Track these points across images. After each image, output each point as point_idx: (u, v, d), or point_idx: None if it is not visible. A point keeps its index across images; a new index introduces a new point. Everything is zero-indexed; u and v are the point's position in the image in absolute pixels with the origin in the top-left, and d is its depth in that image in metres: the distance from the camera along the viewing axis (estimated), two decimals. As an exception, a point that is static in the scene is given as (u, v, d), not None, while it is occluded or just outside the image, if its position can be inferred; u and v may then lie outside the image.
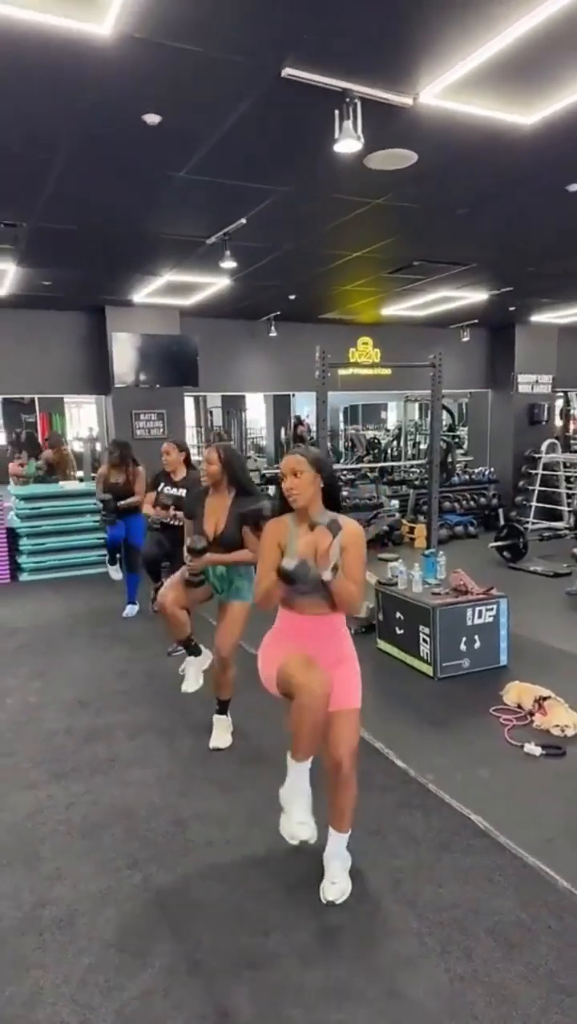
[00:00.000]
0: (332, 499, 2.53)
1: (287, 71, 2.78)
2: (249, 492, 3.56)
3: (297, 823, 2.35)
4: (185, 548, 3.48)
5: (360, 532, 2.48)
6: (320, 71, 2.80)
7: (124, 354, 7.81)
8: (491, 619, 4.64)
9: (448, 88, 2.95)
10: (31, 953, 2.30)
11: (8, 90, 2.91)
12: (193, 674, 3.76)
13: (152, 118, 3.18)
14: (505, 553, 7.90)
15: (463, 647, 4.56)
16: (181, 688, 3.76)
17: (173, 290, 7.07)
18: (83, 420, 15.02)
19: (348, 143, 3.02)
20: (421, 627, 4.60)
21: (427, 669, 4.57)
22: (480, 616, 4.61)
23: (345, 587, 2.37)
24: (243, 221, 4.73)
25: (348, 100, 2.95)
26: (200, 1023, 2.03)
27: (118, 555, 6.12)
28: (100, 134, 3.36)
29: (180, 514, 4.81)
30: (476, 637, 4.59)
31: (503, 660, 4.69)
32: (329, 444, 9.65)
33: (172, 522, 5.00)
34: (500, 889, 2.54)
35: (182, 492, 4.99)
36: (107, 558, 6.32)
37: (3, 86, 2.87)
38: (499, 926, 2.36)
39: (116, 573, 6.19)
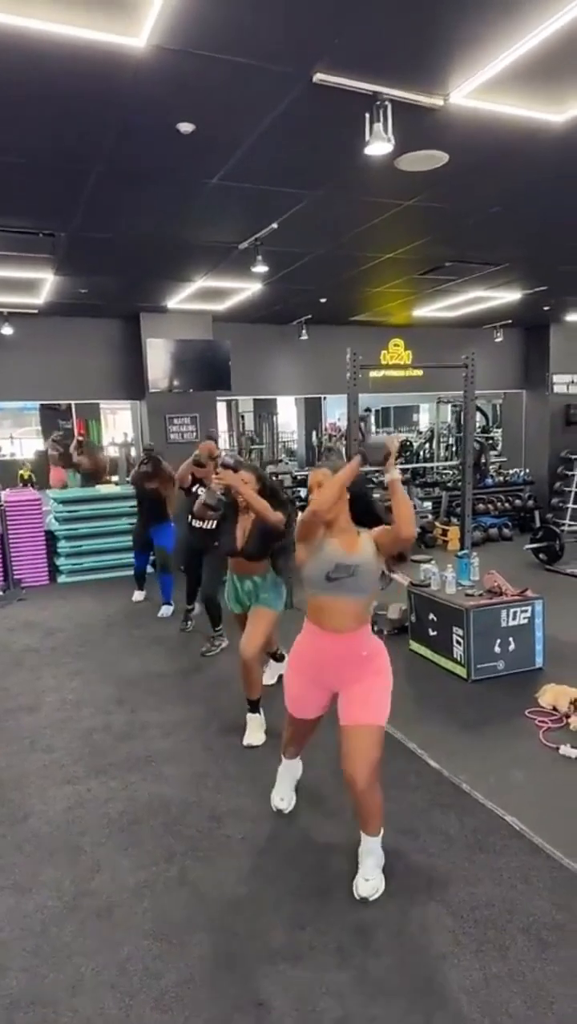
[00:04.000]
0: (361, 511, 2.57)
1: (318, 76, 2.81)
2: (279, 501, 3.63)
3: (279, 798, 3.06)
4: (219, 463, 3.71)
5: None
6: (351, 75, 2.83)
7: (158, 359, 7.93)
8: (526, 620, 4.60)
9: (478, 88, 2.96)
10: (72, 941, 2.37)
11: (46, 103, 3.00)
12: (255, 728, 3.77)
13: (186, 127, 3.24)
14: (541, 555, 7.80)
15: (497, 649, 4.52)
16: (243, 741, 3.73)
17: (206, 296, 7.16)
18: (119, 425, 15.27)
19: (379, 145, 3.04)
20: (455, 628, 4.57)
21: (461, 671, 4.54)
22: (515, 618, 4.57)
23: (405, 499, 2.43)
24: (275, 226, 4.77)
25: (379, 103, 2.97)
26: (236, 1013, 2.06)
27: (149, 556, 6.43)
28: (135, 144, 3.44)
29: (200, 497, 4.90)
30: (511, 639, 4.55)
31: (538, 662, 4.64)
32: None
33: (205, 524, 5.11)
34: (535, 890, 2.53)
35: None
36: (135, 583, 6.75)
37: (41, 100, 2.96)
38: (534, 926, 2.35)
39: (139, 596, 6.70)
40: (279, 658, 4.32)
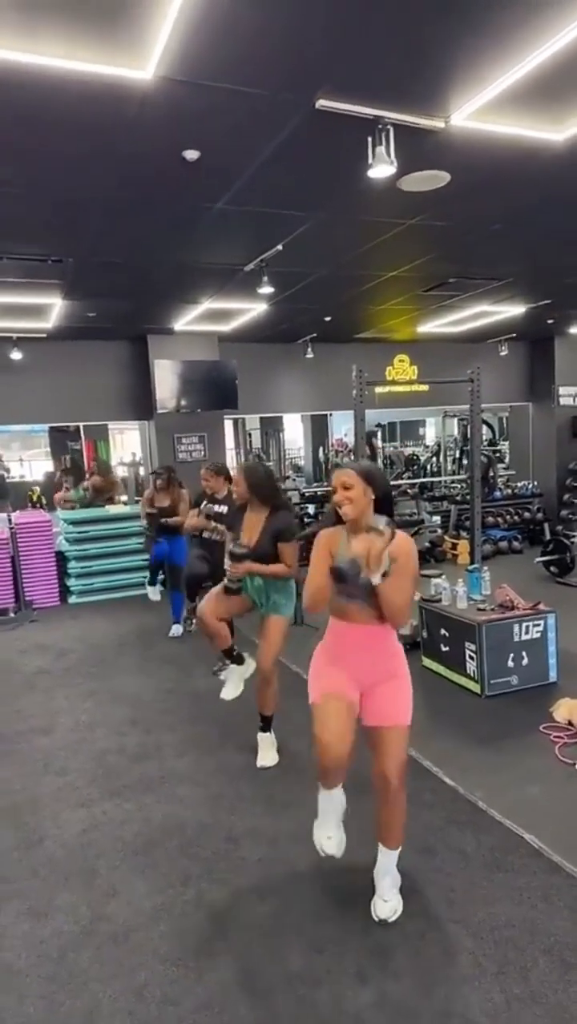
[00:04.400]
0: (386, 512, 2.50)
1: (321, 102, 2.87)
2: (280, 506, 3.64)
3: (325, 836, 2.55)
4: (227, 553, 3.57)
5: (410, 544, 2.45)
6: (353, 100, 2.89)
7: (166, 380, 8.00)
8: (539, 635, 4.57)
9: (479, 110, 3.00)
10: (89, 967, 2.35)
11: (55, 134, 3.06)
12: (235, 681, 3.80)
13: (191, 154, 3.31)
14: (552, 568, 7.76)
15: (511, 663, 4.50)
16: (220, 694, 3.79)
17: (212, 317, 7.24)
18: (126, 445, 15.36)
19: (382, 168, 3.08)
20: (467, 644, 4.55)
21: (474, 686, 4.51)
22: (527, 632, 4.55)
23: (394, 594, 2.34)
24: (280, 248, 4.84)
25: (380, 126, 3.02)
26: (256, 1039, 2.04)
27: (160, 575, 6.27)
28: (141, 171, 3.51)
29: (221, 527, 4.91)
30: (524, 653, 4.53)
31: (552, 676, 4.61)
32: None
33: (214, 536, 5.09)
34: (556, 909, 2.50)
35: (224, 508, 5.08)
36: (148, 578, 6.44)
37: (50, 131, 3.03)
38: (556, 947, 2.32)
39: (155, 594, 6.31)
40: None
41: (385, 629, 2.50)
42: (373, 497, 2.43)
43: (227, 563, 3.57)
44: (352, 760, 2.47)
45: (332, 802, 2.55)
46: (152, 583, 6.34)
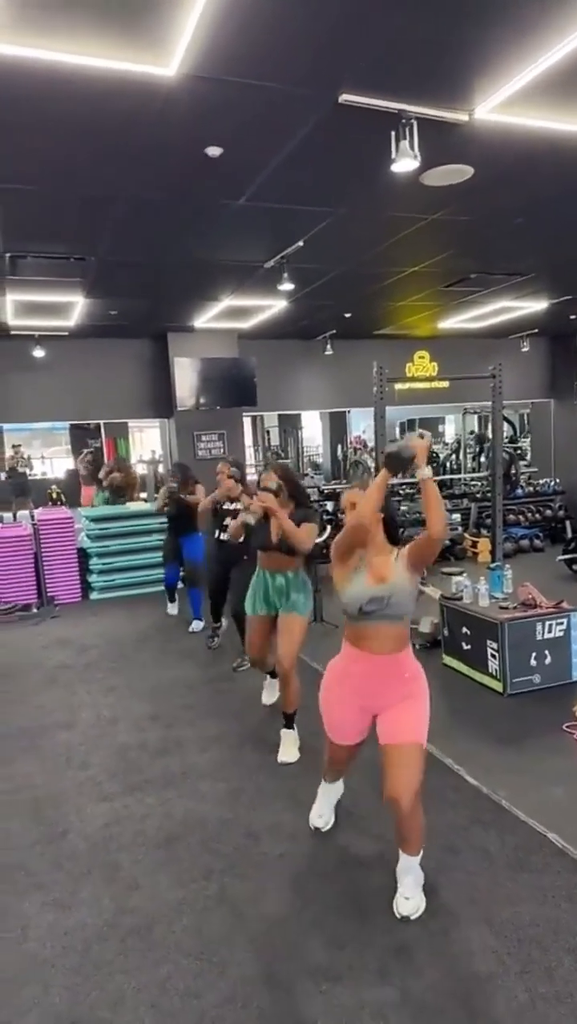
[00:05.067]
0: (391, 533, 2.59)
1: (344, 97, 2.85)
2: (304, 506, 3.75)
3: (316, 814, 3.04)
4: (259, 489, 3.73)
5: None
6: (376, 95, 2.87)
7: (185, 378, 8.03)
8: (561, 633, 4.53)
9: (503, 103, 2.97)
10: (113, 959, 2.37)
11: (79, 132, 3.08)
12: (271, 688, 4.20)
13: (214, 150, 3.31)
14: (574, 566, 7.68)
15: (533, 662, 4.46)
16: (261, 700, 4.10)
17: (232, 314, 7.25)
18: (146, 443, 15.45)
19: (405, 162, 3.06)
20: (489, 642, 4.52)
21: (496, 685, 4.48)
22: (550, 630, 4.50)
23: (437, 497, 2.41)
24: (300, 244, 4.83)
25: (404, 120, 2.99)
26: (279, 1033, 2.05)
27: (176, 592, 6.76)
28: (164, 168, 3.52)
29: (250, 502, 4.96)
30: (547, 652, 4.49)
31: (575, 675, 4.56)
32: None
33: (248, 518, 5.11)
34: (581, 910, 2.47)
35: (239, 506, 5.09)
36: (166, 596, 6.87)
37: (74, 129, 3.05)
38: (581, 947, 2.30)
39: (173, 609, 6.81)
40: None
41: (400, 657, 2.52)
42: (382, 516, 2.54)
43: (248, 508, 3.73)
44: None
45: (329, 791, 3.03)
46: (171, 600, 6.83)
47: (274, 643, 3.75)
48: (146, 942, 2.45)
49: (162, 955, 2.38)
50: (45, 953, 2.42)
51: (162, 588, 6.93)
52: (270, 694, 4.35)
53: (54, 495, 12.43)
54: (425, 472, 2.41)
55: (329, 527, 7.27)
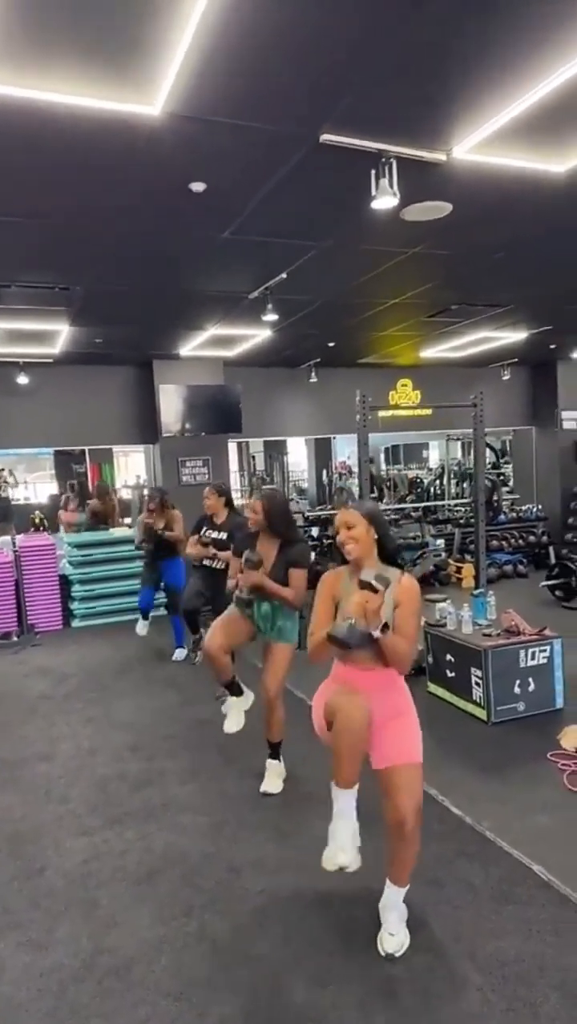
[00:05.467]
0: (387, 553, 2.54)
1: (325, 136, 2.93)
2: (291, 541, 3.59)
3: (338, 848, 2.33)
4: (243, 560, 3.51)
5: (414, 587, 2.47)
6: (356, 134, 2.95)
7: (171, 405, 8.07)
8: (545, 660, 4.54)
9: (481, 143, 3.07)
10: (89, 1002, 2.31)
11: (66, 168, 3.14)
12: (235, 714, 3.78)
13: (197, 186, 3.38)
14: (557, 592, 7.72)
15: (517, 690, 4.46)
16: (223, 728, 3.77)
17: (217, 343, 7.32)
18: (131, 468, 15.41)
19: (385, 200, 3.14)
20: (473, 669, 4.52)
21: (481, 713, 4.47)
22: (533, 657, 4.51)
23: (396, 644, 2.35)
24: (284, 276, 4.91)
25: (384, 159, 3.08)
26: (259, 1078, 1.99)
27: (150, 615, 6.33)
28: (149, 202, 3.58)
29: (221, 555, 4.91)
30: (530, 679, 4.49)
31: (559, 703, 4.56)
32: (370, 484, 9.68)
33: (213, 564, 5.09)
34: (567, 943, 2.45)
35: (223, 535, 5.08)
36: (140, 614, 6.44)
37: (61, 165, 3.10)
38: (567, 983, 2.27)
39: (143, 629, 6.32)
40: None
41: (390, 671, 2.48)
42: (376, 536, 2.47)
43: (239, 578, 3.55)
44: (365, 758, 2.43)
45: (350, 806, 2.34)
46: (144, 618, 6.30)
47: (241, 650, 3.61)
48: (124, 982, 2.39)
49: (140, 996, 2.32)
50: (20, 996, 2.35)
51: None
52: (235, 720, 3.76)
53: (36, 520, 12.33)
54: (375, 633, 2.31)
55: (314, 553, 7.28)
